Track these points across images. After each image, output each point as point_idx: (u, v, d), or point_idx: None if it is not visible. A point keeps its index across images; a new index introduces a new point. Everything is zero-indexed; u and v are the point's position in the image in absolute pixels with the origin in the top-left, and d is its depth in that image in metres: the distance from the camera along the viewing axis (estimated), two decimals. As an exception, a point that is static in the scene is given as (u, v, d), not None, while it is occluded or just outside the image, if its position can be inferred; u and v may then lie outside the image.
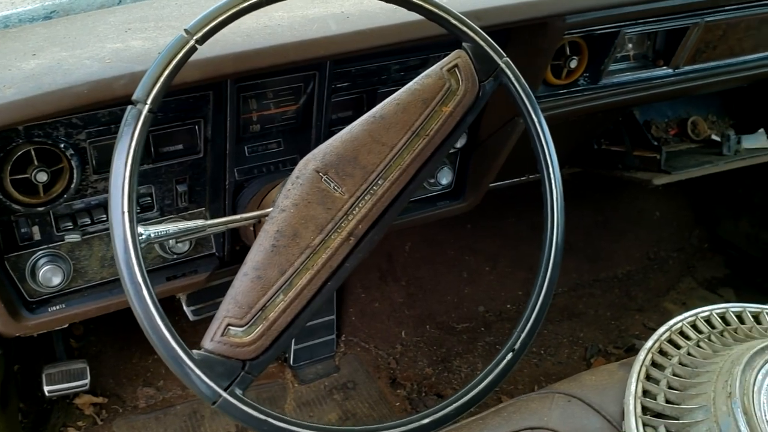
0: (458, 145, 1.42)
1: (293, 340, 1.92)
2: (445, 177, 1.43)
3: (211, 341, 0.76)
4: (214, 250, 1.26)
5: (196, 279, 1.24)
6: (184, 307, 1.57)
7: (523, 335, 0.89)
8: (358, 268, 2.11)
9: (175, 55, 0.78)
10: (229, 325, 0.77)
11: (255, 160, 1.22)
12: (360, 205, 0.86)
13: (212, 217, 1.22)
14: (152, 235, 0.82)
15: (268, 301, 0.79)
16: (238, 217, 0.93)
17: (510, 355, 0.87)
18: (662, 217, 2.49)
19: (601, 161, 1.89)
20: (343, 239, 0.84)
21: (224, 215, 1.22)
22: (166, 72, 0.78)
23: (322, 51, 0.99)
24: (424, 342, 2.02)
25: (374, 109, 0.89)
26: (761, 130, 1.88)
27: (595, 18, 1.23)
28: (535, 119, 0.92)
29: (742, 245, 2.42)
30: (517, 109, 0.93)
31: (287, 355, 1.93)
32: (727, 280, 2.35)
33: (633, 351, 1.95)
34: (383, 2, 0.90)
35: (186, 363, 0.73)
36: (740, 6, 1.39)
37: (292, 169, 1.24)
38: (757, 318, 1.23)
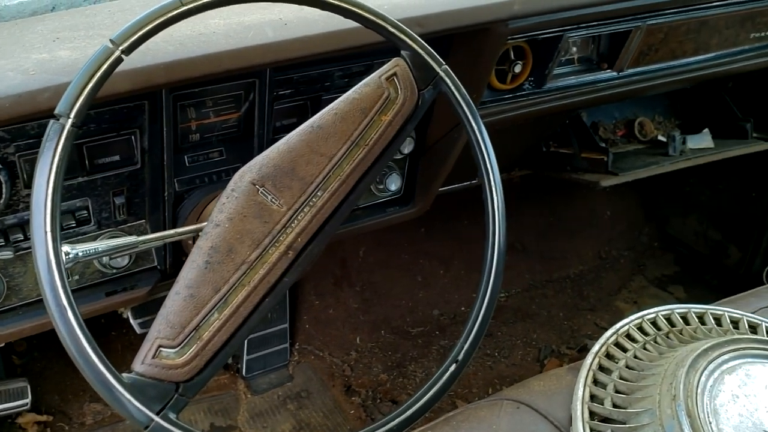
0: (406, 150, 1.41)
1: (245, 351, 1.89)
2: (394, 183, 1.42)
3: (141, 364, 0.73)
4: (155, 264, 1.23)
5: (137, 294, 1.21)
6: (131, 321, 1.53)
7: (466, 346, 0.88)
8: (312, 275, 2.09)
9: (100, 67, 0.75)
10: (160, 346, 0.74)
11: (196, 170, 1.19)
12: (299, 217, 0.84)
13: (153, 230, 1.19)
14: (80, 254, 0.79)
15: (202, 320, 0.77)
16: (171, 232, 0.90)
17: (453, 367, 0.86)
18: (613, 217, 2.52)
19: (550, 163, 1.90)
20: (281, 253, 0.82)
21: (165, 227, 1.19)
22: (91, 84, 0.74)
23: (258, 59, 0.97)
24: (379, 347, 2.01)
25: (312, 119, 0.87)
26: (706, 130, 1.91)
27: (537, 23, 1.23)
28: (475, 127, 0.91)
29: (691, 243, 2.46)
30: (457, 116, 0.92)
31: (239, 366, 1.90)
32: (677, 277, 2.39)
33: (585, 351, 1.96)
34: (321, 9, 0.88)
35: (115, 387, 0.70)
36: (680, 9, 1.41)
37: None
38: (701, 319, 1.24)
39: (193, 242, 1.02)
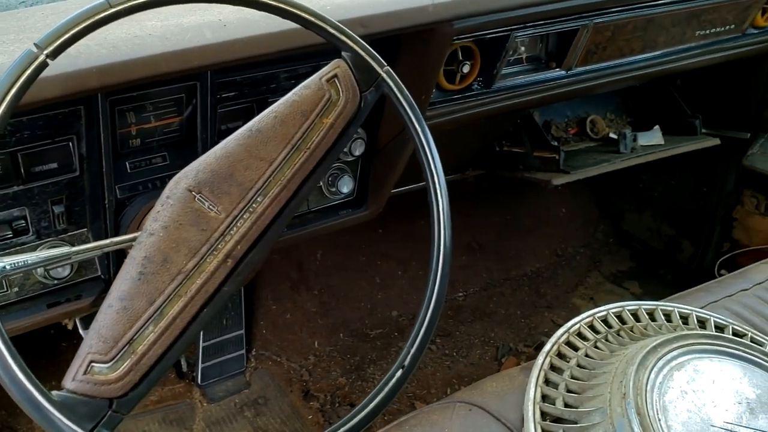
0: (357, 152, 1.39)
1: (201, 358, 1.85)
2: (346, 185, 1.40)
3: (72, 380, 0.70)
4: (99, 273, 1.19)
5: (81, 304, 1.17)
6: (80, 331, 1.48)
7: (413, 350, 0.87)
8: (269, 279, 2.06)
9: (23, 72, 0.72)
10: (92, 362, 0.71)
11: (138, 176, 1.16)
12: (238, 224, 0.81)
13: (95, 239, 1.15)
14: (8, 267, 0.75)
15: (136, 333, 0.74)
16: (107, 241, 0.87)
17: (399, 373, 0.85)
18: (568, 214, 2.54)
19: (503, 163, 1.90)
20: (219, 262, 0.80)
21: (107, 236, 1.15)
22: (13, 91, 0.71)
23: (196, 61, 0.94)
24: (337, 351, 1.99)
25: (250, 123, 0.85)
26: (656, 127, 1.94)
27: (483, 22, 1.22)
28: (418, 129, 0.90)
29: (646, 238, 2.50)
30: (400, 119, 0.91)
31: (195, 374, 1.87)
32: (632, 273, 2.42)
33: (542, 348, 1.97)
34: (258, 10, 0.86)
35: (44, 406, 0.67)
36: (626, 8, 1.42)
37: (180, 185, 1.20)
38: (651, 315, 1.25)
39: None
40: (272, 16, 0.89)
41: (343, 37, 0.87)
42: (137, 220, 1.10)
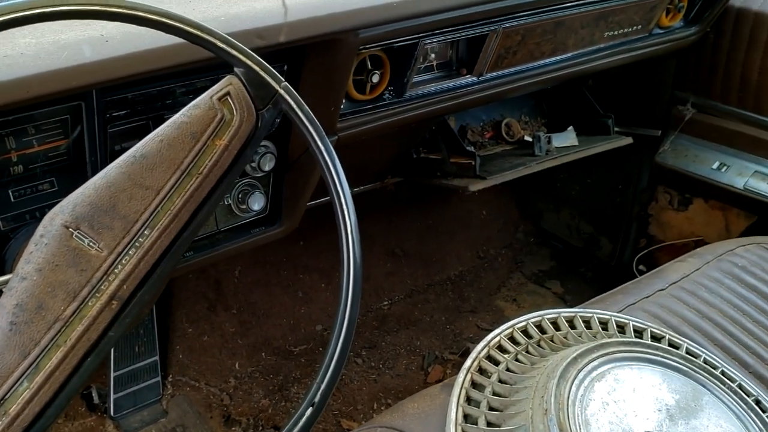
0: (267, 168, 1.33)
1: (112, 389, 1.75)
2: (257, 202, 1.34)
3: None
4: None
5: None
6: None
7: (323, 386, 0.81)
8: (184, 301, 1.97)
9: None
10: (-47, 430, 0.63)
11: (24, 205, 1.06)
12: (123, 261, 0.74)
13: (-24, 276, 1.05)
14: None
15: (8, 392, 0.66)
16: (-24, 285, 0.78)
17: (310, 411, 0.79)
18: (489, 215, 2.54)
19: (421, 170, 1.87)
20: (103, 305, 0.72)
21: (-10, 272, 1.05)
22: None
23: (74, 82, 0.86)
24: (259, 371, 1.92)
25: (134, 148, 0.77)
26: (570, 128, 1.94)
27: (390, 31, 1.18)
28: (321, 146, 0.85)
29: (565, 237, 2.52)
30: (302, 137, 0.85)
31: (107, 405, 1.76)
32: (553, 272, 2.43)
33: (467, 354, 1.95)
34: (138, 26, 0.78)
35: None
36: (535, 11, 1.40)
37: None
38: (571, 323, 1.24)
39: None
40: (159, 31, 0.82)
41: (233, 52, 0.81)
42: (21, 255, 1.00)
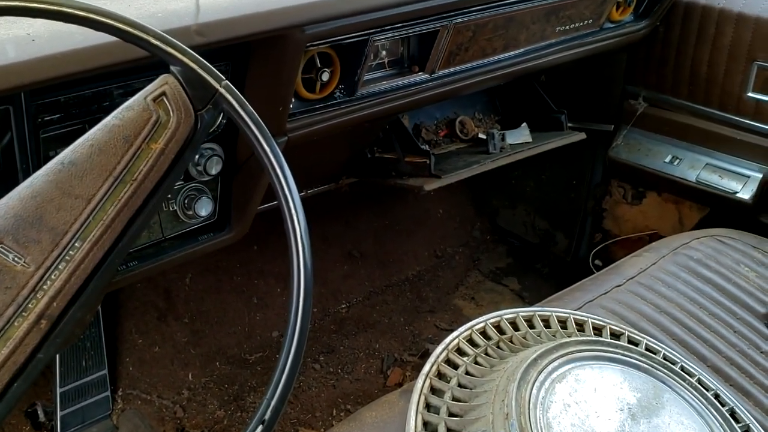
0: (214, 171, 1.27)
1: (59, 405, 1.67)
2: (205, 207, 1.28)
3: None
4: None
5: None
6: None
7: (274, 402, 0.77)
8: (132, 311, 1.89)
9: None
10: None
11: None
12: (52, 277, 0.69)
13: None
14: None
15: (-77, 424, 0.60)
16: None
17: (260, 429, 0.75)
18: (446, 214, 2.52)
19: (376, 170, 1.83)
20: (30, 324, 0.67)
21: None
22: None
23: (-4, 85, 0.80)
24: (213, 381, 1.85)
25: (62, 155, 0.72)
26: (524, 125, 1.93)
27: (338, 27, 1.14)
28: (267, 148, 0.80)
29: (521, 233, 2.52)
30: (245, 138, 0.81)
31: (53, 423, 1.68)
32: (510, 269, 2.43)
33: (427, 356, 1.93)
34: (64, 22, 0.73)
35: None
36: (485, 6, 1.38)
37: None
38: (530, 322, 1.22)
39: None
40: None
41: (168, 49, 0.76)
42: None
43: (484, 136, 1.88)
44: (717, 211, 1.98)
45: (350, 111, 1.33)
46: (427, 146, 1.81)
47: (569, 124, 1.98)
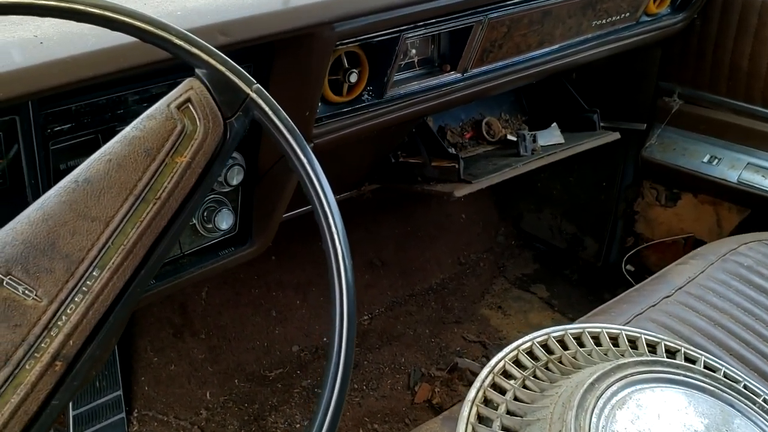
0: (235, 181, 1.19)
1: (71, 428, 1.59)
2: (225, 220, 1.19)
3: None
4: None
5: None
6: None
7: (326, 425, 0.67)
8: (147, 328, 1.81)
9: None
10: None
11: (-48, 238, 0.91)
12: (67, 311, 0.60)
13: None
14: None
15: None
16: None
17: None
18: (468, 219, 2.43)
19: (400, 175, 1.74)
20: (44, 367, 0.58)
21: None
22: None
23: (1, 92, 0.71)
24: (232, 400, 1.77)
25: (76, 172, 0.63)
26: (554, 125, 1.84)
27: (369, 24, 1.05)
28: (303, 158, 0.71)
29: (547, 238, 2.42)
30: (278, 147, 0.72)
31: (67, 447, 1.60)
32: (537, 275, 2.33)
33: (456, 370, 1.84)
34: (78, 22, 0.64)
35: None
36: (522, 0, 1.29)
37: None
38: (579, 339, 1.13)
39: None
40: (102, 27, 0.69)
41: (194, 50, 0.67)
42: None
43: (513, 138, 1.79)
44: (758, 212, 1.89)
45: (379, 114, 1.25)
46: (452, 149, 1.72)
47: (602, 124, 1.89)
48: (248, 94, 0.70)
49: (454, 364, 1.84)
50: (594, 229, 2.28)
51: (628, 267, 2.19)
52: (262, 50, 1.03)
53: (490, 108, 1.91)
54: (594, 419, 0.91)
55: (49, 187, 0.94)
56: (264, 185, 1.24)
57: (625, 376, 0.98)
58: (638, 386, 0.98)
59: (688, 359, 1.10)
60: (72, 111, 0.92)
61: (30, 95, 0.74)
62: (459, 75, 1.33)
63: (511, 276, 2.31)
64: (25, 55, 0.74)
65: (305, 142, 0.72)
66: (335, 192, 1.78)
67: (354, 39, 1.10)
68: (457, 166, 1.57)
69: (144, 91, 0.97)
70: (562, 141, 1.78)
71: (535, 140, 1.73)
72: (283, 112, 0.72)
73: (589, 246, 2.31)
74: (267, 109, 0.70)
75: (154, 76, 0.96)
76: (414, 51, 1.28)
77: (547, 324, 2.09)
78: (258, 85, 0.71)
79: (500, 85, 1.44)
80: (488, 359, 1.90)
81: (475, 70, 1.36)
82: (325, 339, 1.98)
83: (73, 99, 0.89)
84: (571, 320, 2.12)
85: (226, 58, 0.69)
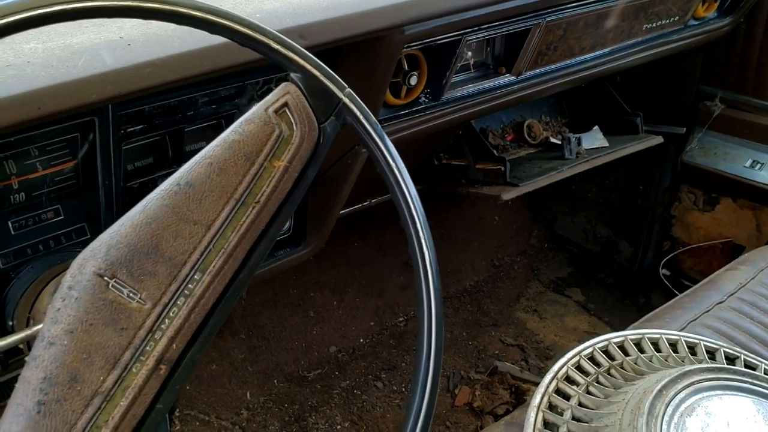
0: (291, 182, 1.19)
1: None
2: (281, 221, 1.19)
3: None
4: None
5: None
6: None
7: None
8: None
9: None
10: None
11: (25, 237, 0.91)
12: (170, 314, 0.60)
13: (-30, 323, 0.90)
14: None
15: (40, 494, 0.52)
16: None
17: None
18: (502, 221, 2.42)
19: (443, 177, 1.74)
20: (150, 370, 0.58)
21: (-13, 318, 0.90)
22: None
23: (94, 95, 0.72)
24: (272, 400, 1.77)
25: (176, 175, 0.63)
26: (596, 128, 1.83)
27: (436, 27, 1.05)
28: (393, 164, 0.71)
29: (581, 241, 2.41)
30: (368, 150, 0.72)
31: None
32: (572, 279, 2.32)
33: (496, 374, 1.83)
34: (178, 24, 0.64)
35: None
36: (581, 3, 1.28)
37: (78, 244, 0.96)
38: (638, 345, 1.13)
39: (29, 348, 0.76)
40: (188, 29, 0.69)
41: (291, 54, 0.67)
42: (29, 298, 0.85)
43: (555, 141, 1.78)
44: (802, 218, 1.87)
45: (435, 117, 1.24)
46: (495, 151, 1.71)
47: (644, 128, 1.88)
48: (341, 99, 0.70)
49: (494, 368, 1.83)
50: (629, 233, 2.27)
51: (664, 271, 2.18)
52: (328, 53, 1.03)
53: (530, 110, 1.91)
54: (664, 426, 0.91)
55: (120, 187, 0.95)
56: (320, 187, 1.24)
57: (692, 383, 0.98)
58: (705, 393, 0.98)
59: (747, 366, 1.10)
60: (145, 112, 0.92)
61: (120, 97, 0.74)
62: (514, 77, 1.33)
63: (545, 279, 2.30)
64: (115, 57, 0.74)
65: (394, 148, 0.72)
66: (378, 193, 1.79)
67: (420, 42, 1.10)
68: (503, 168, 1.57)
69: (213, 93, 0.97)
70: (606, 144, 1.77)
71: (579, 143, 1.72)
72: (373, 116, 0.72)
73: (623, 250, 2.30)
74: (358, 114, 0.70)
75: (226, 78, 0.96)
76: (470, 54, 1.28)
77: (584, 328, 2.09)
78: (349, 89, 0.71)
79: (551, 88, 1.44)
80: (527, 363, 1.90)
81: (529, 73, 1.35)
82: (362, 340, 1.98)
83: (147, 100, 0.89)
84: (608, 324, 2.12)
85: (320, 63, 0.69)
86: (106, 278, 0.59)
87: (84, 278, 0.58)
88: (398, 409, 1.77)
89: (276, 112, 0.66)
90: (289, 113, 0.67)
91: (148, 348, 0.59)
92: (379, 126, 0.72)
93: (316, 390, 1.81)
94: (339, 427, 1.70)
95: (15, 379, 1.05)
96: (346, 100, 0.70)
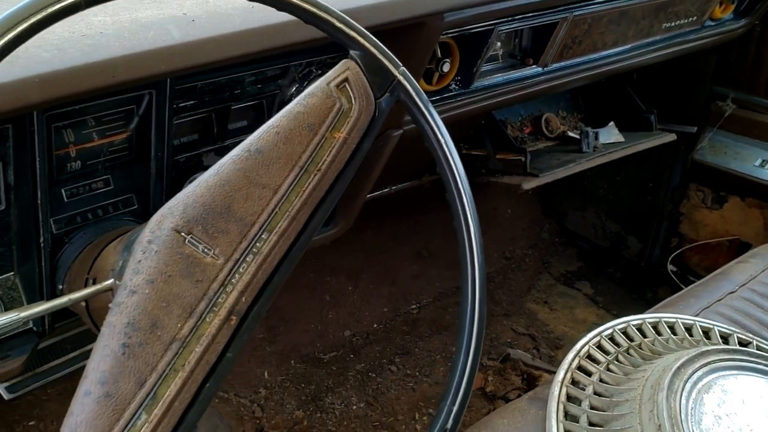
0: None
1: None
2: (310, 201, 1.24)
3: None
4: (31, 325, 0.98)
5: (10, 366, 0.95)
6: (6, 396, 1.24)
7: (455, 408, 0.73)
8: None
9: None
10: (72, 475, 0.53)
11: (77, 205, 0.95)
12: (240, 270, 0.64)
13: (24, 284, 0.94)
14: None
15: (127, 426, 0.56)
16: (64, 300, 0.68)
17: (446, 438, 0.70)
18: (514, 214, 2.46)
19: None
20: (222, 321, 0.62)
21: (41, 280, 0.94)
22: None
23: (164, 66, 0.76)
24: (290, 380, 1.81)
25: (247, 142, 0.68)
26: (612, 124, 1.88)
27: (473, 15, 1.09)
28: (442, 140, 0.77)
29: (590, 236, 2.46)
30: (418, 126, 0.77)
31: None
32: (581, 273, 2.36)
33: (509, 360, 1.88)
34: (250, 1, 0.69)
35: None
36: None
37: (126, 213, 1.00)
38: (656, 328, 1.18)
39: (86, 303, 0.80)
40: (247, 7, 0.73)
41: (352, 33, 0.72)
42: (81, 262, 0.89)
43: (572, 134, 1.82)
44: (808, 217, 1.92)
45: (464, 104, 1.29)
46: (514, 142, 1.76)
47: (658, 126, 1.92)
48: (396, 77, 0.74)
49: (507, 355, 1.88)
50: (638, 229, 2.32)
51: (671, 267, 2.22)
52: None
53: (547, 104, 1.95)
54: (683, 401, 0.95)
55: (170, 160, 0.99)
56: (349, 169, 1.29)
57: (709, 363, 1.02)
58: (722, 372, 1.02)
59: (760, 350, 1.14)
60: (197, 88, 0.96)
61: (185, 70, 0.79)
62: (540, 69, 1.37)
63: (555, 272, 2.35)
64: (182, 32, 0.78)
65: (443, 126, 0.77)
66: (396, 180, 1.84)
67: (456, 29, 1.14)
68: (524, 159, 1.61)
69: (260, 72, 1.02)
70: (622, 140, 1.81)
71: (597, 138, 1.76)
72: (424, 94, 0.76)
73: (632, 245, 2.34)
74: (411, 90, 0.75)
75: (273, 58, 1.00)
76: (499, 44, 1.32)
77: (593, 320, 2.13)
78: (403, 68, 0.75)
79: (574, 81, 1.48)
80: (539, 351, 1.94)
81: (555, 65, 1.40)
82: (375, 325, 2.02)
83: (200, 77, 0.94)
84: (616, 316, 2.15)
85: (378, 42, 0.74)
86: (183, 234, 0.63)
87: (163, 233, 0.63)
88: (412, 392, 1.81)
89: (337, 86, 0.71)
90: (348, 88, 0.71)
91: (220, 300, 0.63)
92: (430, 104, 0.76)
93: (332, 372, 1.85)
94: (355, 407, 1.74)
95: (58, 344, 1.10)
96: (401, 78, 0.74)
